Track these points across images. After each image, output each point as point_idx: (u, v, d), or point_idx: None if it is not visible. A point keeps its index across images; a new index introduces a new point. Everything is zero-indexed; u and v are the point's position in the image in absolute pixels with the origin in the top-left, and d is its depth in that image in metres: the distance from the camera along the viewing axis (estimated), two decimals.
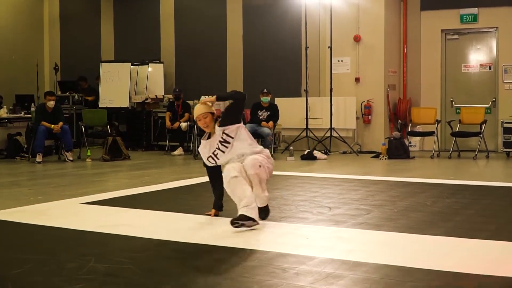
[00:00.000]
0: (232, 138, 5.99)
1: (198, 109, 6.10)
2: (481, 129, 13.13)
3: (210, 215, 6.36)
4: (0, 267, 4.59)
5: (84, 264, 4.55)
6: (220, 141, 6.00)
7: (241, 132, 6.04)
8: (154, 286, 4.10)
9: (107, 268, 4.47)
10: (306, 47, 14.71)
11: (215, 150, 6.05)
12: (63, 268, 4.48)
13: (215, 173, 6.25)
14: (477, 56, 14.63)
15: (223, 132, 5.99)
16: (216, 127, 6.06)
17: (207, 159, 6.15)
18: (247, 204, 5.68)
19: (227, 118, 6.09)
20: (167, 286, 4.09)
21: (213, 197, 6.41)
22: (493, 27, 14.37)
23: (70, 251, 5.08)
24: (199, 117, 6.06)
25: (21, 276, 4.32)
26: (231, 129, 6.00)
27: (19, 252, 5.03)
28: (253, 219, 5.67)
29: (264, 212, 6.11)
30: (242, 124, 6.14)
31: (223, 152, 6.01)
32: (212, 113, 6.10)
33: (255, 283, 4.11)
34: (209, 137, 6.13)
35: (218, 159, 6.08)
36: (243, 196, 5.72)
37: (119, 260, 4.68)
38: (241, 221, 5.62)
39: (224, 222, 6.01)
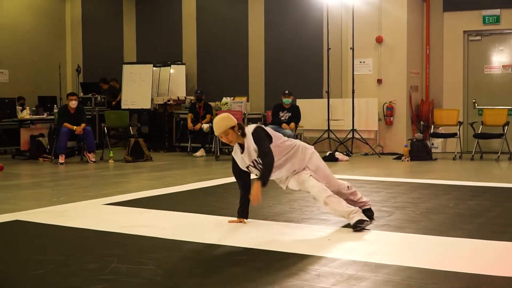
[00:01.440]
0: None
1: (216, 128, 5.80)
2: (503, 130, 13.03)
3: (235, 222, 6.09)
4: (22, 268, 4.62)
5: (106, 265, 4.57)
6: (254, 162, 5.81)
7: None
8: (175, 287, 4.11)
9: (129, 269, 4.49)
10: (328, 49, 14.69)
11: (249, 166, 5.88)
12: (85, 269, 4.50)
13: (239, 171, 6.04)
14: (500, 58, 14.53)
15: (256, 160, 5.79)
16: (247, 138, 5.79)
17: (245, 168, 5.96)
18: (354, 211, 5.78)
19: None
20: (189, 287, 4.10)
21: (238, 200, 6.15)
22: None
23: (92, 252, 5.10)
24: (220, 135, 5.80)
25: (43, 277, 4.34)
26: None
27: (41, 253, 5.06)
28: (366, 220, 5.82)
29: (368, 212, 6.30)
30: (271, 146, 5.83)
31: (258, 170, 5.82)
32: (233, 127, 5.78)
33: (276, 285, 4.10)
34: (242, 151, 5.88)
35: (253, 172, 5.96)
36: (345, 208, 5.80)
37: (141, 261, 4.69)
38: (360, 224, 5.72)
39: (244, 224, 6.02)
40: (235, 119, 5.87)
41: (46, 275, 4.38)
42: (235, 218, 6.10)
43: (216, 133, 5.86)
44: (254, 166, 5.83)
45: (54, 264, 4.65)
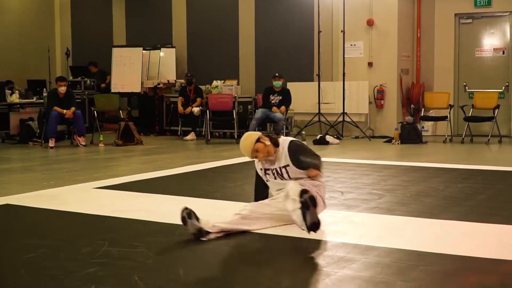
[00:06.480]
0: (289, 178, 5.33)
1: (244, 151, 5.36)
2: (494, 114, 13.04)
3: None
4: (14, 252, 4.62)
5: (97, 248, 4.57)
6: (277, 170, 5.40)
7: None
8: (167, 270, 4.12)
9: (121, 252, 4.49)
10: (319, 31, 14.65)
11: (268, 170, 5.46)
12: (77, 253, 4.51)
13: (261, 183, 5.69)
14: (491, 41, 14.52)
15: (284, 167, 5.36)
16: (280, 149, 5.34)
17: (259, 169, 5.57)
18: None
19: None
20: (180, 270, 4.11)
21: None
22: (507, 12, 14.25)
23: (83, 235, 5.10)
24: (253, 156, 5.35)
25: (35, 260, 4.34)
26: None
27: (32, 237, 5.06)
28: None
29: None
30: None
31: (275, 179, 5.43)
32: (258, 139, 5.31)
33: (267, 267, 4.12)
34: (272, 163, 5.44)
35: (267, 180, 5.53)
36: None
37: (132, 244, 4.70)
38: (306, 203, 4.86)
39: (237, 207, 6.02)
40: (256, 134, 5.42)
41: (38, 258, 4.38)
42: None
43: (248, 157, 5.41)
44: (274, 174, 5.42)
45: (46, 247, 4.65)
